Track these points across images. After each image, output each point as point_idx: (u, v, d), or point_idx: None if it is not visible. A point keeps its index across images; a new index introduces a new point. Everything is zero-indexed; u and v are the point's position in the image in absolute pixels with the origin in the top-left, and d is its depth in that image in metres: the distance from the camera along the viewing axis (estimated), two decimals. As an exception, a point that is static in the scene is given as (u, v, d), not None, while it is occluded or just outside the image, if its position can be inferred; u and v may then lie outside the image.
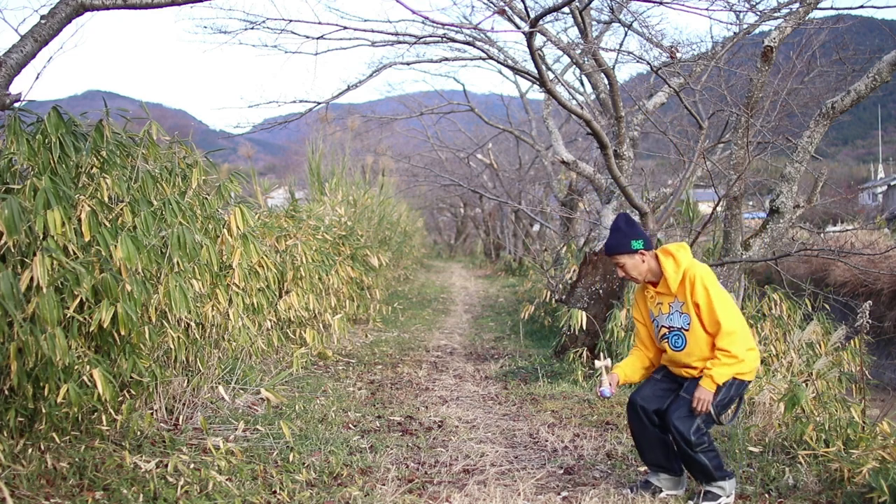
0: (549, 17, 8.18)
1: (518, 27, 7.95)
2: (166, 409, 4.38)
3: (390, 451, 4.21)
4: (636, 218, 7.09)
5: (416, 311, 11.56)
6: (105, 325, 3.16)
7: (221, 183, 4.33)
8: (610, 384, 3.54)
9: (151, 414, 4.13)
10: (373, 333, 9.03)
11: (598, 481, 3.73)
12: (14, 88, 3.40)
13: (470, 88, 77.17)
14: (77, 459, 3.36)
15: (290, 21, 6.56)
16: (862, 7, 5.41)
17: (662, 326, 3.47)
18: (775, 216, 6.03)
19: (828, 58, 8.33)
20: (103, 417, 3.66)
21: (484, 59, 8.69)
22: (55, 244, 3.02)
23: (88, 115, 3.65)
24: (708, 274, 3.36)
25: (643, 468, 3.78)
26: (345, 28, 6.23)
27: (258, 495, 3.34)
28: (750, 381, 3.42)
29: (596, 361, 3.75)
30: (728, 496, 3.39)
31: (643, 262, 3.44)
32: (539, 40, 7.79)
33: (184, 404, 4.45)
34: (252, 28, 6.89)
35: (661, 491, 3.52)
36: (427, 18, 4.98)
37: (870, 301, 4.39)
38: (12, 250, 3.01)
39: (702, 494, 3.39)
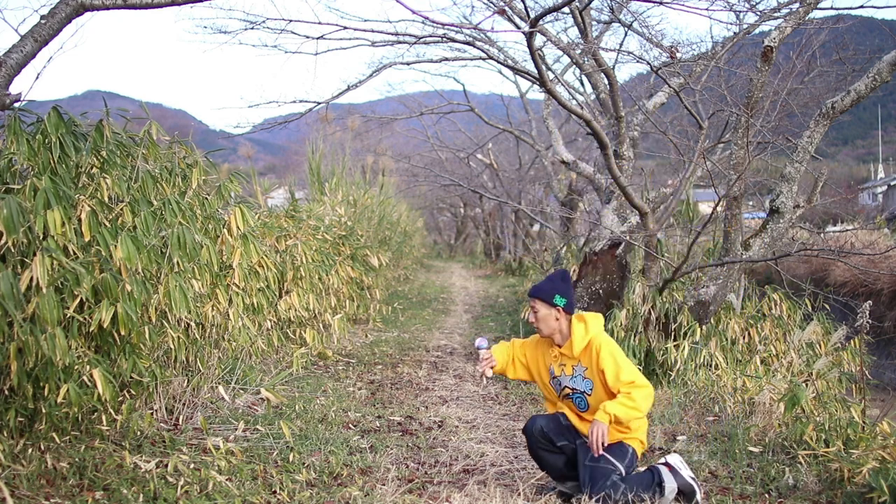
0: (549, 17, 8.18)
1: (518, 27, 7.95)
2: (166, 409, 4.38)
3: (390, 451, 4.21)
4: (636, 218, 7.09)
5: (416, 311, 11.56)
6: (105, 325, 3.15)
7: (221, 183, 4.33)
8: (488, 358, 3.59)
9: (151, 414, 4.13)
10: (373, 333, 9.03)
11: (598, 481, 3.73)
12: (14, 88, 3.40)
13: (470, 88, 77.16)
14: (77, 459, 3.36)
15: (290, 21, 6.55)
16: (862, 7, 5.40)
17: (566, 387, 3.53)
18: (775, 216, 6.03)
19: (828, 58, 8.33)
20: (103, 417, 3.66)
21: (484, 59, 8.69)
22: (55, 244, 3.02)
23: (88, 115, 3.65)
24: (613, 343, 3.47)
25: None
26: (345, 28, 6.23)
27: (258, 495, 3.34)
28: (641, 454, 3.49)
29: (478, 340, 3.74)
30: (684, 475, 3.37)
31: (556, 319, 3.50)
32: (539, 40, 7.79)
33: (184, 404, 4.45)
34: (252, 28, 6.89)
35: (572, 496, 3.51)
36: (427, 18, 4.98)
37: (870, 301, 4.39)
38: (12, 250, 3.01)
39: (684, 498, 3.38)
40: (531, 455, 3.64)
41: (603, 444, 3.23)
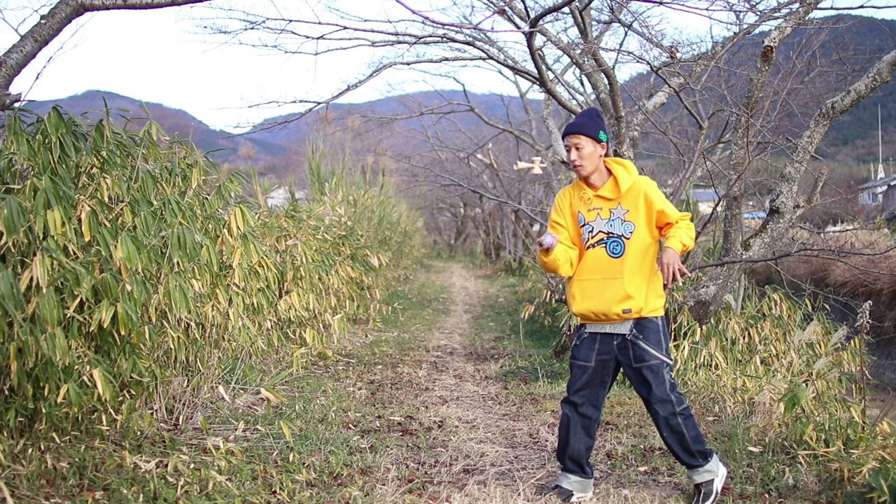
0: (549, 17, 8.18)
1: (518, 27, 7.95)
2: (166, 409, 4.38)
3: (390, 451, 4.21)
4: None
5: (416, 311, 11.56)
6: (105, 325, 3.15)
7: (221, 183, 4.33)
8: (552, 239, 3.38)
9: (151, 414, 4.13)
10: (373, 333, 9.03)
11: (598, 481, 3.73)
12: (14, 88, 3.40)
13: (470, 88, 77.19)
14: (77, 459, 3.36)
15: (290, 21, 6.56)
16: (862, 7, 5.40)
17: (600, 231, 3.36)
18: (775, 216, 6.03)
19: (828, 58, 8.33)
20: (103, 417, 3.66)
21: (484, 59, 8.69)
22: (55, 244, 3.02)
23: (88, 115, 3.65)
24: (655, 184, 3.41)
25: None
26: (345, 28, 6.24)
27: (258, 495, 3.34)
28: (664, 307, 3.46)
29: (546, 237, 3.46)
30: (720, 476, 3.38)
31: (599, 157, 3.36)
32: (539, 40, 7.79)
33: (184, 404, 4.45)
34: (252, 28, 6.90)
35: (572, 495, 3.47)
36: (427, 18, 4.99)
37: (870, 301, 4.39)
38: (12, 250, 3.01)
39: (699, 496, 3.37)
40: (560, 428, 3.48)
41: (679, 271, 3.15)
